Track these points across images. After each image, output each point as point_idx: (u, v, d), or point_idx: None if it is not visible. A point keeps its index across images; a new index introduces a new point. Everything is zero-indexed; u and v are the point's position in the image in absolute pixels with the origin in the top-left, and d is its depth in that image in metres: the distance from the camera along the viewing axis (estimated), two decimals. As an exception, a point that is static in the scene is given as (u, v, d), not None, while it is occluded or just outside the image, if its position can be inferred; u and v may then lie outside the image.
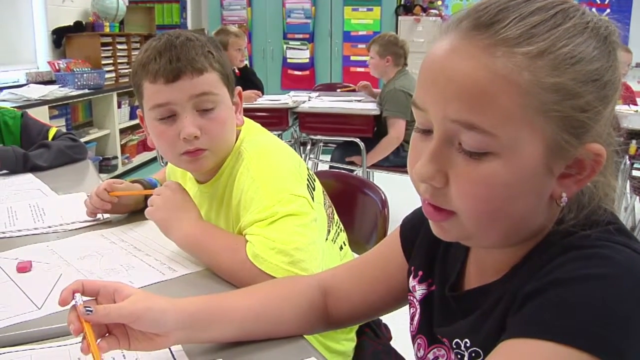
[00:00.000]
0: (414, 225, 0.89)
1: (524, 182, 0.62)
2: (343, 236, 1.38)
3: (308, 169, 1.30)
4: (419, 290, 0.85)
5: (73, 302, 0.78)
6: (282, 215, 1.11)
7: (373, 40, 4.16)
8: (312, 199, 1.22)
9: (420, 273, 0.85)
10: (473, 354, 0.70)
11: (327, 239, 1.29)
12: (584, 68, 0.60)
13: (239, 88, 1.30)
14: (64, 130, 2.48)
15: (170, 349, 0.86)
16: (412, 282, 0.86)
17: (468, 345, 0.71)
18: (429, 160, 0.64)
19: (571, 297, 0.56)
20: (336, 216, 1.37)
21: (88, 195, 1.45)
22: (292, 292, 0.95)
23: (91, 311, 0.76)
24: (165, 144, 1.21)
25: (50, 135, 2.20)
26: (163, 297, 0.84)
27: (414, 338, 0.85)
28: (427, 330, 0.82)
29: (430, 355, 0.81)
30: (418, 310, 0.85)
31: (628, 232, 0.65)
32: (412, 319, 0.86)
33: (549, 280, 0.59)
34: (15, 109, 2.31)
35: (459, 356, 0.72)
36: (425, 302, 0.83)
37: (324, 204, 1.32)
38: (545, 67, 0.59)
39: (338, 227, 1.36)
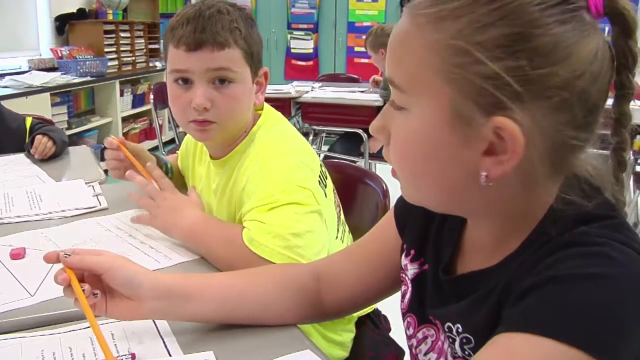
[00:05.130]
0: (407, 205, 0.85)
1: (434, 146, 0.63)
2: (349, 237, 1.37)
3: (321, 165, 1.29)
4: (411, 270, 0.83)
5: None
6: (283, 203, 1.11)
7: (366, 38, 4.15)
8: (325, 195, 1.21)
9: (412, 252, 0.84)
10: (464, 340, 0.69)
11: (336, 237, 1.28)
12: (491, 33, 0.57)
13: (265, 69, 1.30)
14: (62, 120, 2.46)
15: (163, 340, 0.84)
16: (404, 261, 0.85)
17: (460, 330, 0.70)
18: (378, 117, 0.69)
19: (570, 295, 0.55)
20: (342, 216, 1.36)
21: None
22: (282, 275, 0.94)
23: (69, 255, 0.81)
24: (178, 108, 1.23)
25: (28, 124, 2.19)
26: (144, 267, 0.87)
27: (404, 316, 0.84)
28: (417, 309, 0.81)
29: (420, 335, 0.80)
30: (409, 289, 0.84)
31: (629, 227, 0.63)
32: (403, 296, 0.85)
33: (548, 276, 0.57)
34: None
35: (450, 340, 0.72)
36: (417, 281, 0.82)
37: (334, 202, 1.31)
38: (450, 29, 0.59)
39: (344, 227, 1.35)
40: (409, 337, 0.83)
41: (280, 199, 1.11)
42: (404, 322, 0.85)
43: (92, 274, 0.82)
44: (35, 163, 1.96)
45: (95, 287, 0.81)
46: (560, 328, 0.54)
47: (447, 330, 0.72)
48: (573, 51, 0.58)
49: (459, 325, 0.70)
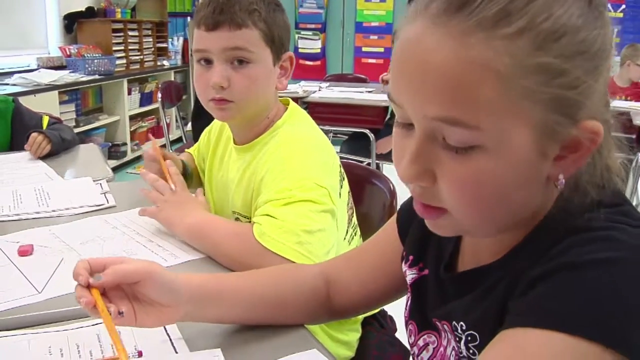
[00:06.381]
0: (410, 212, 0.83)
1: (518, 173, 0.58)
2: (359, 241, 1.37)
3: (340, 166, 1.29)
4: (409, 275, 0.83)
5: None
6: (299, 199, 1.11)
7: (392, 37, 4.15)
8: (339, 195, 1.22)
9: (410, 257, 0.83)
10: (469, 337, 0.68)
11: (344, 239, 1.28)
12: (569, 41, 0.54)
13: (290, 53, 1.31)
14: (70, 118, 2.50)
15: (170, 337, 0.85)
16: (404, 267, 0.85)
17: (464, 328, 0.68)
18: (412, 161, 0.60)
19: (582, 284, 0.54)
20: (354, 219, 1.36)
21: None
22: (296, 278, 0.94)
23: (100, 277, 0.73)
24: (199, 88, 1.26)
25: (45, 123, 2.21)
26: (173, 272, 0.81)
27: (406, 323, 0.84)
28: (417, 316, 0.81)
29: (421, 342, 0.79)
30: (409, 295, 0.83)
31: (638, 214, 0.62)
32: (406, 303, 0.85)
33: (557, 264, 0.56)
34: (5, 95, 2.33)
35: (457, 338, 0.70)
36: (416, 286, 0.82)
37: (347, 204, 1.31)
38: (526, 47, 0.53)
39: (354, 230, 1.35)
40: (411, 345, 0.82)
41: (296, 195, 1.11)
42: (406, 329, 0.84)
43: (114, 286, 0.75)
44: (43, 161, 1.97)
45: (117, 296, 0.75)
46: (571, 320, 0.53)
47: (453, 329, 0.71)
48: (612, 38, 0.59)
49: (462, 323, 0.69)
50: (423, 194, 0.62)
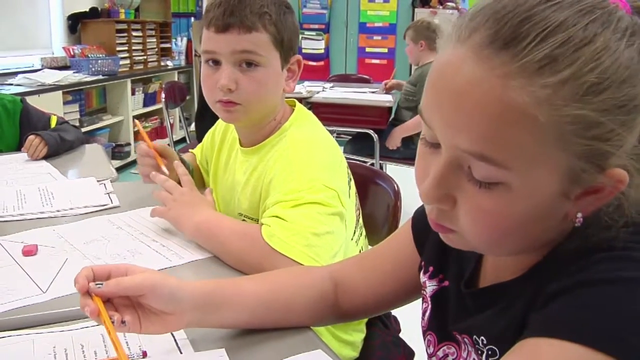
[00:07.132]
0: (427, 220, 0.85)
1: (537, 210, 0.59)
2: (364, 241, 1.37)
3: (347, 167, 1.29)
4: (430, 286, 0.83)
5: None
6: (308, 201, 1.11)
7: (408, 27, 4.16)
8: (348, 196, 1.22)
9: (430, 268, 0.83)
10: (489, 352, 0.68)
11: (351, 239, 1.28)
12: (611, 95, 0.53)
13: (298, 56, 1.30)
14: (74, 118, 2.50)
15: (174, 338, 0.84)
16: (423, 278, 0.84)
17: (485, 342, 0.69)
18: (435, 185, 0.61)
19: (600, 299, 0.54)
20: (361, 220, 1.36)
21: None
22: (304, 281, 0.93)
23: (101, 285, 0.74)
24: (207, 88, 1.25)
25: (53, 123, 2.22)
26: (177, 279, 0.81)
27: (424, 334, 0.84)
28: (437, 327, 0.80)
29: (440, 353, 0.79)
30: (429, 306, 0.83)
31: None
32: (423, 314, 0.84)
33: (577, 280, 0.56)
34: (13, 96, 2.34)
35: (479, 352, 0.70)
36: (436, 298, 0.81)
37: (355, 205, 1.31)
38: (567, 98, 0.52)
39: (361, 231, 1.35)
40: (429, 356, 0.82)
41: (305, 197, 1.11)
42: (424, 340, 0.84)
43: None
44: (47, 161, 1.97)
45: (122, 304, 0.76)
46: (588, 332, 0.53)
47: (474, 342, 0.71)
48: None
49: (483, 338, 0.69)
50: (439, 216, 0.64)
